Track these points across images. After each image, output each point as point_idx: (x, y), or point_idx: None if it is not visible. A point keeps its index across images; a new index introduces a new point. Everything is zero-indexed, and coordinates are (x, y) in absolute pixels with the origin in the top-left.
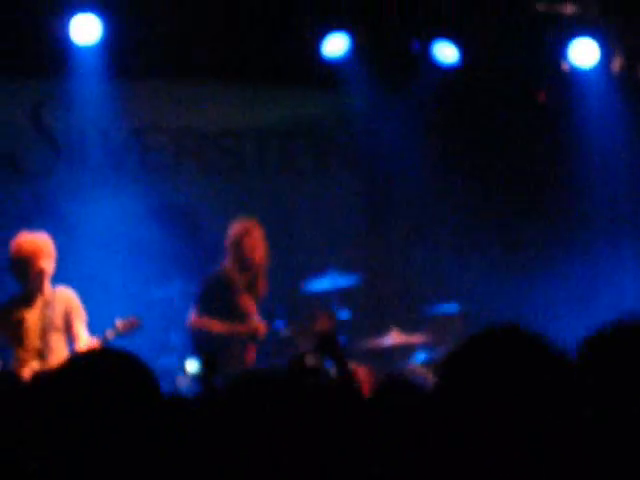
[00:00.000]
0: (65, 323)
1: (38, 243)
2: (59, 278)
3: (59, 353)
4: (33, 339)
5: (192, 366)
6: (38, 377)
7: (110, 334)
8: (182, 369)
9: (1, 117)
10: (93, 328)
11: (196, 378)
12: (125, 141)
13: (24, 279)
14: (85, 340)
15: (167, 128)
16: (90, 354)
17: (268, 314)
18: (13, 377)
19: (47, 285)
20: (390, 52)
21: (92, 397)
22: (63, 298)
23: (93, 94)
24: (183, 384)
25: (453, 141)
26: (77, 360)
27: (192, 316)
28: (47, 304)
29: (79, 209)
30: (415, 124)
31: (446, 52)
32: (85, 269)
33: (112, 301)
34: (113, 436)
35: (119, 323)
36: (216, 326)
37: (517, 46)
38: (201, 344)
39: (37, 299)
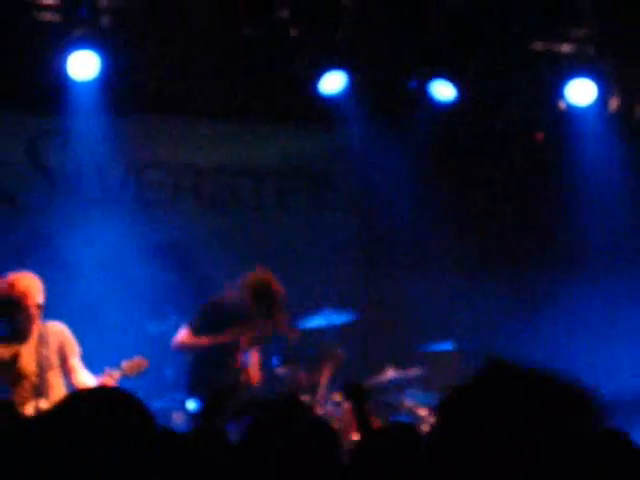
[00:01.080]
0: (60, 358)
1: (29, 281)
2: (54, 313)
3: (58, 390)
4: (30, 377)
5: (192, 405)
6: (39, 412)
7: (115, 374)
8: (179, 406)
9: None
10: (88, 364)
11: (195, 416)
12: (122, 177)
13: (15, 319)
14: (82, 373)
15: (164, 164)
16: (89, 392)
17: (263, 350)
18: (12, 407)
19: (38, 324)
20: (387, 89)
21: (91, 434)
22: (56, 333)
23: (90, 130)
24: (180, 421)
25: (450, 179)
26: (77, 398)
27: (183, 334)
28: (40, 341)
29: (75, 245)
30: (412, 161)
31: (443, 90)
32: (80, 304)
33: (107, 337)
34: (111, 474)
35: (125, 364)
36: (206, 339)
37: (514, 85)
38: (194, 364)
39: (30, 339)
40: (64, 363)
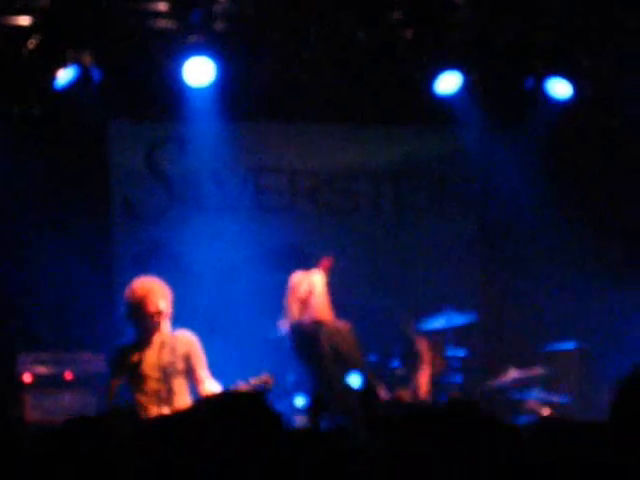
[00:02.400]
0: (187, 367)
1: (150, 286)
2: (175, 320)
3: (182, 398)
4: (152, 383)
5: (300, 401)
6: (165, 417)
7: (243, 388)
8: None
9: (117, 161)
10: (211, 369)
11: (306, 414)
12: (240, 183)
13: (139, 323)
14: (210, 383)
15: (281, 169)
16: (222, 395)
17: (384, 352)
18: (135, 415)
19: (165, 328)
20: (503, 89)
21: (224, 437)
22: (184, 342)
23: (207, 136)
24: (302, 424)
25: (568, 178)
26: (209, 401)
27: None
28: (165, 347)
29: (194, 251)
30: (529, 161)
31: (560, 88)
32: (202, 311)
33: (229, 342)
34: (241, 474)
35: (253, 380)
36: None
37: (633, 80)
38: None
39: (154, 342)
40: (192, 373)
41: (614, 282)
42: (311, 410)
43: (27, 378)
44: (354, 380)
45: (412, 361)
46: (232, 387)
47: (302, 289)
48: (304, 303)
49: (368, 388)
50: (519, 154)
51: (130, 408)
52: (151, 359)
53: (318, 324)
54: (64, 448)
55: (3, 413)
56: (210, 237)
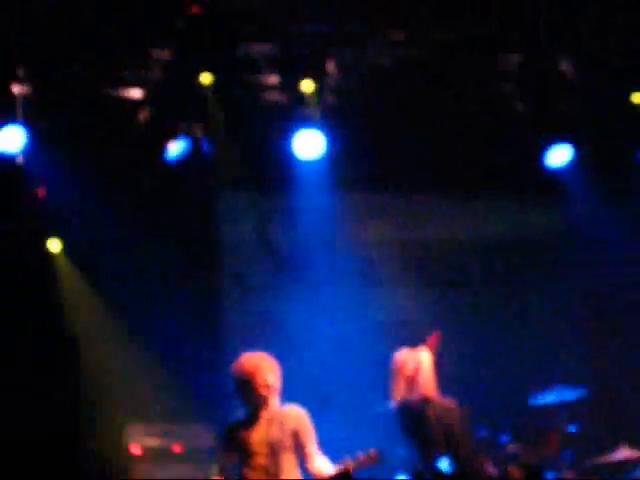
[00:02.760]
0: (295, 442)
1: (258, 361)
2: (285, 394)
3: (290, 474)
4: (260, 459)
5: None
6: None
7: (351, 465)
8: None
9: (228, 233)
10: (322, 444)
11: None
12: (349, 255)
13: (247, 399)
14: (319, 460)
15: (391, 240)
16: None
17: (493, 428)
18: None
19: (273, 403)
20: (614, 162)
21: None
22: (293, 417)
23: (317, 208)
24: None
25: None
26: None
27: None
28: (273, 422)
29: (303, 323)
30: (634, 232)
31: None
32: (308, 384)
33: (337, 416)
34: None
35: (360, 456)
36: None
37: None
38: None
39: (262, 417)
40: (301, 449)
41: None
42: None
43: (136, 450)
44: (444, 465)
45: (524, 436)
46: (340, 463)
47: (409, 367)
48: (411, 381)
49: (460, 472)
50: (629, 226)
51: None
52: (259, 435)
53: (426, 402)
54: None
55: None
56: (319, 310)
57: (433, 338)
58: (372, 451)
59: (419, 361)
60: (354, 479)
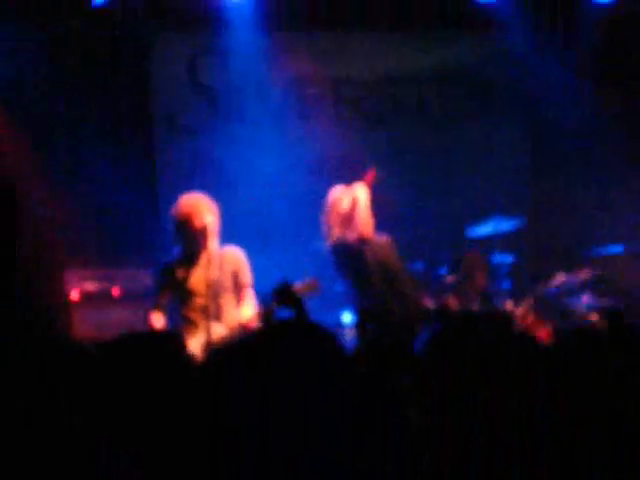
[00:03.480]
0: (234, 283)
1: (196, 202)
2: (221, 234)
3: (230, 313)
4: (199, 298)
5: (347, 318)
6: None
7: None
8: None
9: (159, 74)
10: (258, 284)
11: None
12: (283, 93)
13: (185, 239)
14: (246, 307)
15: (325, 78)
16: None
17: (431, 260)
18: (180, 339)
19: (212, 244)
20: None
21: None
22: (231, 258)
23: (248, 48)
24: (350, 337)
25: (609, 77)
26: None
27: None
28: (212, 263)
29: (237, 162)
30: (574, 63)
31: None
32: (248, 223)
33: (276, 255)
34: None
35: (298, 285)
36: None
37: None
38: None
39: (201, 258)
40: (238, 290)
41: None
42: (359, 326)
43: (75, 295)
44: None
45: (461, 268)
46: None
47: (344, 204)
48: (346, 219)
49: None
50: (564, 56)
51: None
52: (199, 275)
53: (362, 241)
54: (117, 362)
55: (52, 330)
56: (253, 148)
57: (369, 174)
58: (310, 279)
59: (355, 198)
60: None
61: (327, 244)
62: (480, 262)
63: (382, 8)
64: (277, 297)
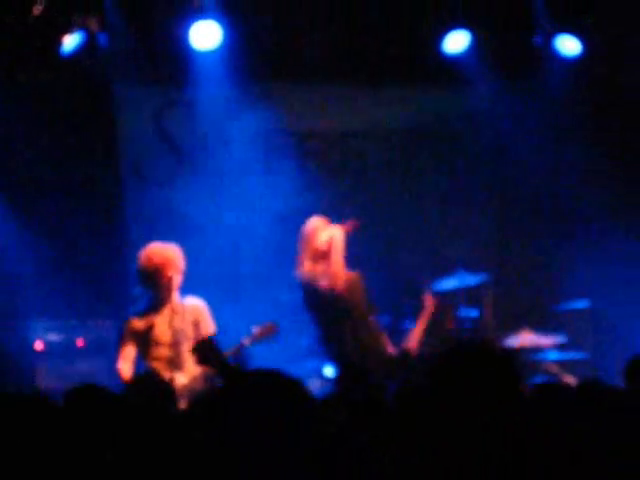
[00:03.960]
0: (196, 333)
1: (163, 252)
2: (187, 284)
3: (193, 364)
4: (163, 349)
5: (329, 371)
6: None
7: (247, 341)
8: (314, 374)
9: (126, 126)
10: (223, 333)
11: (333, 382)
12: (248, 145)
13: (152, 290)
14: None
15: (290, 131)
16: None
17: (396, 312)
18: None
19: (175, 295)
20: (512, 46)
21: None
22: (193, 308)
23: (215, 99)
24: (316, 388)
25: (578, 133)
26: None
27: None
28: (176, 313)
29: (203, 213)
30: (540, 118)
31: (568, 45)
32: (213, 274)
33: (241, 305)
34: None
35: (256, 330)
36: None
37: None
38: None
39: (165, 309)
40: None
41: (628, 241)
42: (342, 379)
43: (39, 346)
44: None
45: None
46: (238, 344)
47: (321, 239)
48: (320, 255)
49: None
50: (529, 111)
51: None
52: (162, 326)
53: (332, 290)
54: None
55: (16, 381)
56: (219, 199)
57: (351, 223)
58: (268, 323)
59: (334, 237)
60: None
61: (297, 273)
62: (446, 310)
63: (348, 62)
64: (199, 354)
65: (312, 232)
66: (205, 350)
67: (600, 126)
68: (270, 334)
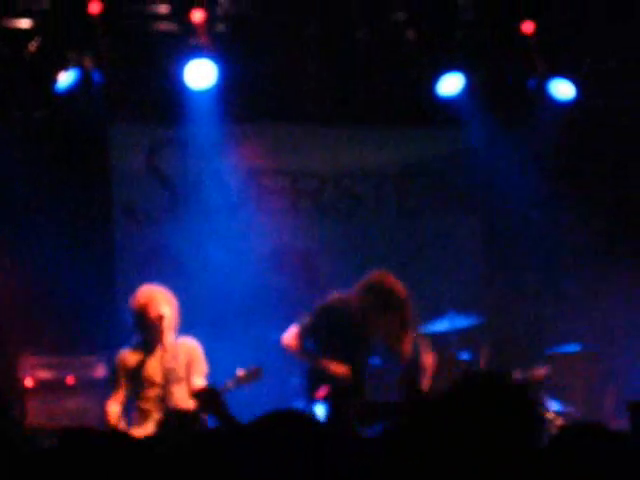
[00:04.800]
0: (188, 374)
1: (153, 293)
2: (181, 323)
3: (184, 404)
4: (154, 389)
5: (321, 410)
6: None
7: (231, 384)
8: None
9: (119, 164)
10: (215, 373)
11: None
12: (242, 185)
13: (141, 329)
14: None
15: (284, 171)
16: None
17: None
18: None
19: (168, 335)
20: (506, 90)
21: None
22: (186, 349)
23: (209, 138)
24: None
25: (572, 177)
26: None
27: (291, 335)
28: (168, 353)
29: (196, 253)
30: (533, 161)
31: (563, 89)
32: (203, 313)
33: (233, 346)
34: None
35: (240, 372)
36: (307, 357)
37: (635, 81)
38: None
39: (156, 349)
40: (189, 379)
41: (620, 284)
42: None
43: (29, 382)
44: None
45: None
46: (222, 387)
47: None
48: None
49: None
50: (522, 154)
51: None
52: (154, 366)
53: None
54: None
55: (5, 417)
56: (211, 238)
57: (324, 390)
58: (253, 367)
59: None
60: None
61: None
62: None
63: (342, 103)
64: (200, 402)
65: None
66: (206, 398)
67: (590, 171)
68: (254, 378)
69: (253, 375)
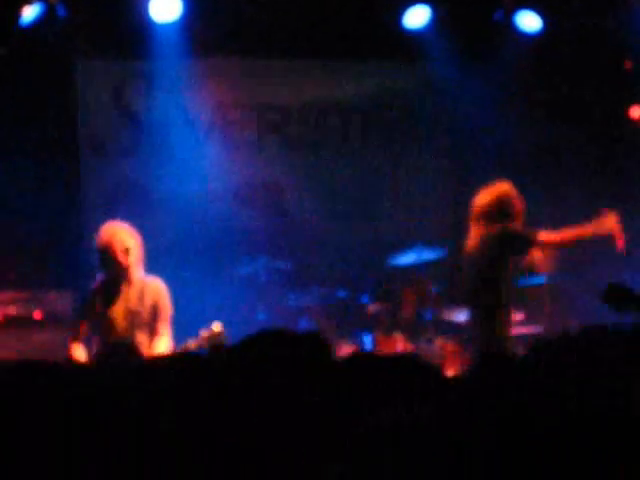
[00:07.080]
0: (152, 318)
1: (116, 228)
2: (148, 259)
3: (146, 350)
4: (118, 332)
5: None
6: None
7: (193, 345)
8: None
9: (84, 99)
10: (180, 311)
11: None
12: (207, 119)
13: (106, 268)
14: (160, 342)
15: (249, 104)
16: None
17: (353, 288)
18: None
19: (134, 273)
20: (473, 22)
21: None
22: (153, 291)
23: (174, 73)
24: None
25: (537, 110)
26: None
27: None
28: (133, 293)
29: (162, 187)
30: (499, 93)
31: (529, 21)
32: (170, 248)
33: (198, 279)
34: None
35: (204, 333)
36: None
37: (601, 13)
38: None
39: (122, 287)
40: (155, 323)
41: (583, 215)
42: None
43: None
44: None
45: (383, 297)
46: (182, 345)
47: None
48: None
49: None
50: (489, 87)
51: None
52: (119, 305)
53: None
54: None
55: None
56: (177, 174)
57: None
58: (215, 324)
59: None
60: None
61: None
62: (412, 293)
63: (308, 36)
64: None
65: None
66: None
67: (554, 102)
68: (216, 339)
69: (216, 336)
